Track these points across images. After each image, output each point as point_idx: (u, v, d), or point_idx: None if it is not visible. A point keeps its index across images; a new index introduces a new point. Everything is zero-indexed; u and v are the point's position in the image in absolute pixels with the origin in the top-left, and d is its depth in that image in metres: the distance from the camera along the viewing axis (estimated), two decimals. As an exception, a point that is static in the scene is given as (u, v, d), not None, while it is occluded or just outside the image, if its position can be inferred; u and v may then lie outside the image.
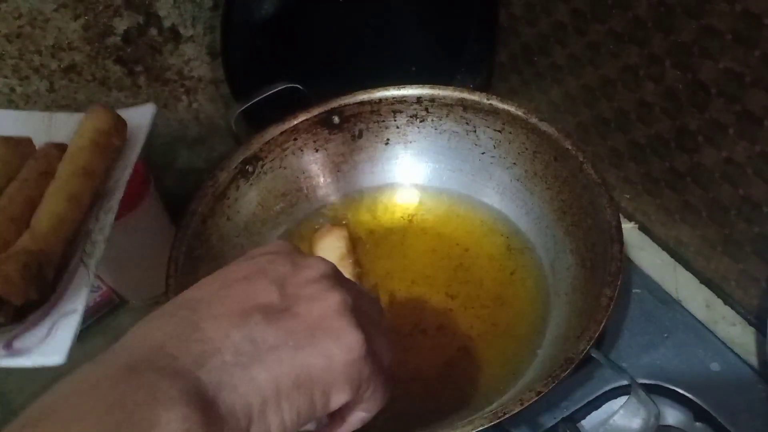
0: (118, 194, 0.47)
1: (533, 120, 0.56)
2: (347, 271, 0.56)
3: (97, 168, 0.48)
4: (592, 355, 0.43)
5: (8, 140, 0.50)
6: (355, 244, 0.62)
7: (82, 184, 0.46)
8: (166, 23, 0.63)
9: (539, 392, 0.40)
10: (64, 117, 0.55)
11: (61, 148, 0.50)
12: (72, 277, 0.43)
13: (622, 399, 0.51)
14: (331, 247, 0.57)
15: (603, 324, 0.42)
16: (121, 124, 0.51)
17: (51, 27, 0.58)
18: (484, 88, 0.79)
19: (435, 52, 0.76)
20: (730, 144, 0.51)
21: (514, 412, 0.40)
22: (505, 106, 0.58)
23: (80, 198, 0.46)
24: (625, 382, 0.51)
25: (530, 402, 0.40)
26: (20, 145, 0.51)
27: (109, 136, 0.50)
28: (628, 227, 0.66)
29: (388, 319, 0.54)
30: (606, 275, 0.45)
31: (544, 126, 0.56)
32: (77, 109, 0.63)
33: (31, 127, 0.54)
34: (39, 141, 0.52)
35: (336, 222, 0.64)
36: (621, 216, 0.66)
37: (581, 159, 0.53)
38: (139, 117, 0.53)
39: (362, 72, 0.69)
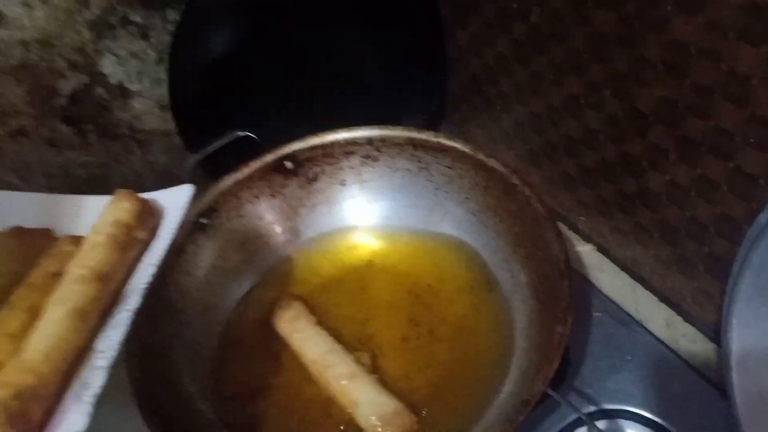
0: (134, 302, 0.40)
1: (480, 156, 0.57)
2: (325, 335, 0.56)
3: (112, 269, 0.41)
4: (549, 393, 0.43)
5: (23, 232, 0.44)
6: (318, 289, 0.62)
7: (91, 291, 0.39)
8: (112, 80, 0.63)
9: (496, 438, 0.40)
10: (95, 201, 0.47)
11: (78, 243, 0.43)
12: (63, 417, 0.35)
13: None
14: (305, 323, 0.57)
15: (557, 363, 0.43)
16: (146, 213, 0.44)
17: (-6, 95, 0.58)
18: (438, 117, 0.80)
19: (387, 86, 0.77)
20: (672, 168, 0.52)
21: (474, 458, 0.40)
22: (453, 144, 0.58)
23: (87, 311, 0.38)
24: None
25: (488, 447, 0.40)
26: (37, 238, 0.45)
27: (130, 230, 0.43)
28: (587, 249, 0.66)
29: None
30: (557, 311, 0.46)
31: (491, 162, 0.56)
32: (28, 172, 0.63)
33: (57, 213, 0.47)
34: (65, 229, 0.46)
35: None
36: (579, 238, 0.67)
37: (528, 194, 0.53)
38: (172, 201, 0.46)
39: (315, 111, 0.70)
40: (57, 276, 0.41)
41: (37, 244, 0.44)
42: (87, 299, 0.39)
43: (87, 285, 0.39)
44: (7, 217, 0.47)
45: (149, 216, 0.45)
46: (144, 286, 0.41)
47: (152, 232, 0.45)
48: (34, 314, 0.38)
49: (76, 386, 0.37)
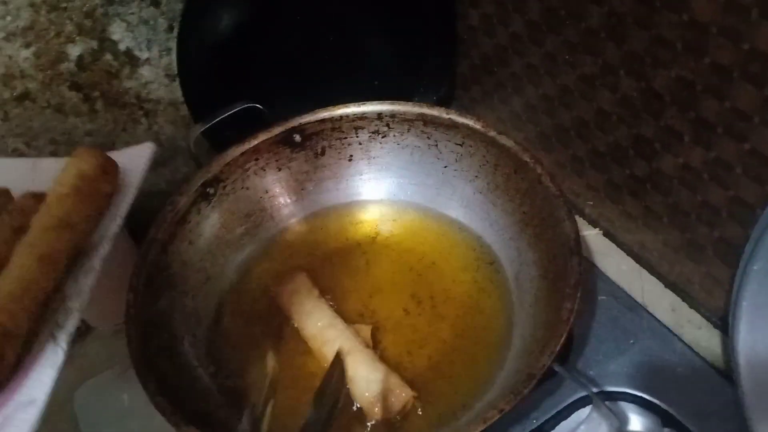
0: (103, 250, 0.42)
1: (492, 133, 0.56)
2: (326, 308, 0.56)
3: (78, 219, 0.42)
4: (555, 369, 0.43)
5: None
6: (321, 263, 0.62)
7: (57, 239, 0.40)
8: (121, 47, 0.62)
9: (502, 410, 0.40)
10: (50, 162, 0.49)
11: (41, 198, 0.44)
12: (38, 355, 0.37)
13: (590, 408, 0.51)
14: (305, 297, 0.57)
15: (563, 338, 0.42)
16: (110, 168, 0.46)
17: (1, 56, 0.57)
18: (448, 98, 0.79)
19: (397, 66, 0.76)
20: (686, 150, 0.51)
21: (479, 430, 0.40)
22: (464, 120, 0.58)
23: (55, 256, 0.40)
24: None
25: (493, 420, 0.40)
26: None
27: (95, 182, 0.44)
28: (593, 234, 0.66)
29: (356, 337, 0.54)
30: (566, 288, 0.45)
31: (502, 139, 0.56)
32: (33, 138, 0.62)
33: (11, 176, 0.48)
34: (20, 188, 0.46)
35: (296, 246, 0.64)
36: (586, 222, 0.66)
37: (539, 171, 0.53)
38: (135, 158, 0.49)
39: (324, 88, 0.69)
40: (20, 230, 0.42)
41: None
42: (54, 246, 0.40)
43: (54, 232, 0.40)
44: None
45: (112, 170, 0.46)
46: (112, 235, 0.43)
47: (116, 187, 0.47)
48: None
49: (48, 327, 0.38)
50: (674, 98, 0.50)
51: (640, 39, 0.50)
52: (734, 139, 0.47)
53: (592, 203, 0.66)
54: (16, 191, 0.46)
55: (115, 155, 0.48)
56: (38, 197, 0.44)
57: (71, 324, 0.38)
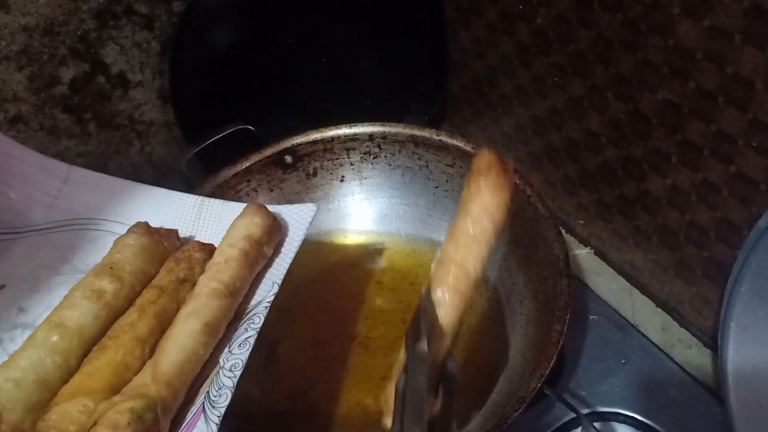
0: (259, 320, 0.40)
1: (482, 154, 0.57)
2: None
3: (242, 285, 0.41)
4: (545, 391, 0.43)
5: (154, 231, 0.44)
6: (313, 284, 0.62)
7: (222, 307, 0.39)
8: (114, 70, 0.63)
9: (492, 434, 0.40)
10: (216, 205, 0.49)
11: (206, 250, 0.44)
12: (190, 430, 0.36)
13: (580, 429, 0.51)
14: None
15: (553, 361, 0.42)
16: (275, 230, 0.44)
17: (-6, 79, 0.57)
18: (440, 119, 0.80)
19: (389, 86, 0.77)
20: (673, 172, 0.52)
21: (470, 454, 0.40)
22: (454, 142, 0.58)
23: (217, 325, 0.39)
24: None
25: (484, 444, 0.40)
26: (163, 238, 0.45)
27: (260, 246, 0.43)
28: (584, 253, 0.66)
29: (345, 361, 0.54)
30: (556, 310, 0.46)
31: (492, 160, 0.56)
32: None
33: (179, 211, 0.49)
34: (185, 228, 0.47)
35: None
36: (577, 241, 0.67)
37: (529, 193, 0.53)
38: (297, 218, 0.47)
39: (316, 109, 0.70)
40: (185, 282, 0.41)
41: (163, 244, 0.44)
42: (219, 314, 0.39)
43: (220, 300, 0.39)
44: (135, 211, 0.48)
45: (277, 234, 0.45)
46: (267, 304, 0.41)
47: (277, 249, 0.45)
48: (162, 320, 0.39)
49: (201, 401, 0.37)
50: (661, 120, 0.51)
51: (627, 62, 0.51)
52: (720, 161, 0.47)
53: (582, 222, 0.66)
54: (182, 230, 0.46)
55: (278, 210, 0.46)
56: (204, 249, 0.44)
57: (224, 403, 0.36)
